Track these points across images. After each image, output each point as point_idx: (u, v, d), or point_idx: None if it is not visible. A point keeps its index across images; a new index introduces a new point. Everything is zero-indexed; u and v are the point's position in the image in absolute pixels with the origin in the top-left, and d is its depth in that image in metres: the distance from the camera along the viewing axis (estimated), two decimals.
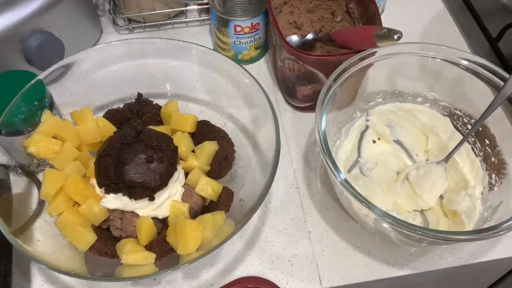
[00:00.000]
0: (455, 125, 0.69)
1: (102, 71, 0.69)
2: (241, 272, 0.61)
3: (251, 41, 0.80)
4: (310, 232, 0.65)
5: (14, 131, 0.61)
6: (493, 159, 0.65)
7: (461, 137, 0.67)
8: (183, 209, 0.60)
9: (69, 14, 0.75)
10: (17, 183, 0.62)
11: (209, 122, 0.69)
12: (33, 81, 0.62)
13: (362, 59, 0.63)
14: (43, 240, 0.57)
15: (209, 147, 0.64)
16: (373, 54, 0.63)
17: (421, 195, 0.64)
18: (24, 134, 0.62)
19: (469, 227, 0.61)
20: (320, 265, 0.62)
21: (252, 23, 0.77)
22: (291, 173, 0.70)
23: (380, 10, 0.82)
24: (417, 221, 0.64)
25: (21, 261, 0.61)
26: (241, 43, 0.80)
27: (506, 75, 0.61)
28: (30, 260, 0.62)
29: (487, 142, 0.65)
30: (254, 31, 0.78)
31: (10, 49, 0.68)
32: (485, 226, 0.58)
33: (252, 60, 0.84)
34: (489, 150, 0.65)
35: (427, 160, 0.69)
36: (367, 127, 0.71)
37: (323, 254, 0.63)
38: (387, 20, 0.84)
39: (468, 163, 0.67)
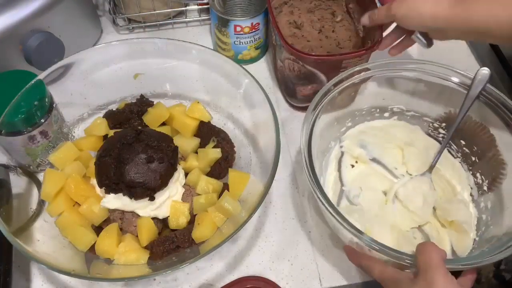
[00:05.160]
0: (427, 132, 0.70)
1: (102, 71, 0.69)
2: (241, 272, 0.61)
3: (251, 41, 0.80)
4: (310, 232, 0.65)
5: (14, 131, 0.61)
6: (473, 158, 0.65)
7: (435, 142, 0.68)
8: (183, 209, 0.60)
9: (69, 14, 0.75)
10: (17, 183, 0.62)
11: (209, 122, 0.69)
12: (33, 81, 0.62)
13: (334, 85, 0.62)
14: (43, 240, 0.57)
15: (212, 155, 0.65)
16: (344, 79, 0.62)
17: (416, 211, 0.63)
18: (24, 134, 0.62)
19: (473, 233, 0.61)
20: (320, 265, 0.62)
21: (252, 23, 0.77)
22: (291, 173, 0.70)
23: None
24: (418, 238, 0.62)
25: (21, 261, 0.61)
26: (241, 43, 0.80)
27: (468, 74, 0.62)
28: (30, 260, 0.62)
29: (463, 142, 0.66)
30: (254, 31, 0.78)
31: (10, 49, 0.68)
32: (489, 231, 0.58)
33: (252, 60, 0.84)
34: (467, 150, 0.66)
35: (406, 171, 0.68)
36: (342, 153, 0.69)
37: (323, 254, 0.63)
38: None
39: (449, 166, 0.67)
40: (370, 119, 0.71)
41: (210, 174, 0.65)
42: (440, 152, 0.65)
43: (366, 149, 0.69)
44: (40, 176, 0.64)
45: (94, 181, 0.61)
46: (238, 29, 0.77)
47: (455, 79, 0.63)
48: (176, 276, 0.61)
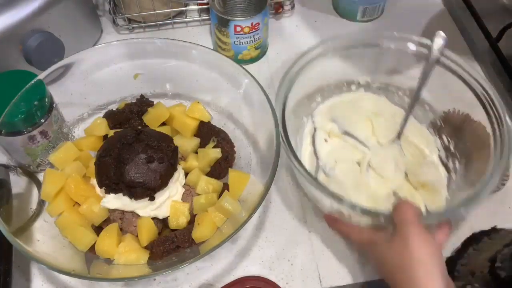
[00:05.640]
0: (393, 101, 0.72)
1: (102, 71, 0.69)
2: (241, 272, 0.61)
3: (251, 41, 0.80)
4: (310, 232, 0.65)
5: (14, 131, 0.61)
6: (438, 123, 0.69)
7: (401, 110, 0.70)
8: (183, 209, 0.60)
9: (69, 14, 0.75)
10: (17, 183, 0.62)
11: (209, 122, 0.69)
12: (33, 81, 0.62)
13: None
14: (43, 240, 0.57)
15: (212, 155, 0.64)
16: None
17: (389, 178, 0.66)
18: (24, 134, 0.62)
19: (444, 191, 0.64)
20: (320, 265, 0.62)
21: (252, 23, 0.77)
22: (291, 173, 0.70)
23: (380, 10, 0.83)
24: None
25: (21, 261, 0.61)
26: (241, 43, 0.80)
27: (425, 41, 0.64)
28: (30, 260, 0.62)
29: (427, 107, 0.69)
30: (254, 31, 0.78)
31: (10, 49, 0.68)
32: (460, 189, 0.61)
33: (252, 60, 0.84)
34: (431, 114, 0.70)
35: (377, 141, 0.70)
36: (315, 129, 0.71)
37: (323, 254, 0.63)
38: (387, 20, 0.84)
39: (416, 132, 0.70)
40: (338, 92, 0.73)
41: (210, 174, 0.65)
42: (405, 120, 0.66)
43: (337, 123, 0.71)
44: (40, 176, 0.64)
45: (94, 181, 0.61)
46: (238, 29, 0.77)
47: (414, 47, 0.66)
48: (176, 276, 0.61)
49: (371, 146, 0.69)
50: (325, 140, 0.70)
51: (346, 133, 0.71)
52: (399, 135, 0.67)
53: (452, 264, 0.58)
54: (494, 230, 0.60)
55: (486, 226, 0.62)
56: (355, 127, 0.71)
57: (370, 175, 0.67)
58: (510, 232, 0.59)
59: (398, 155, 0.67)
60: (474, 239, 0.60)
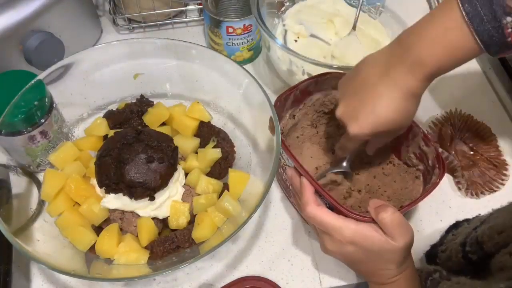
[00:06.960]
0: (348, 3, 0.84)
1: (102, 71, 0.69)
2: (241, 272, 0.62)
3: (243, 43, 0.79)
4: (310, 232, 0.65)
5: (14, 131, 0.61)
6: (389, 14, 0.81)
7: (355, 9, 0.77)
8: (183, 209, 0.60)
9: (69, 14, 0.75)
10: (17, 183, 0.62)
11: (209, 122, 0.69)
12: (33, 81, 0.62)
13: None
14: (43, 240, 0.57)
15: (212, 155, 0.65)
16: None
17: (350, 62, 0.73)
18: (24, 134, 0.62)
19: None
20: (320, 265, 0.62)
21: (244, 25, 0.77)
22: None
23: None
24: None
25: (21, 261, 0.61)
26: (233, 44, 0.79)
27: None
28: (30, 260, 0.62)
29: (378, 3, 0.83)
30: (247, 33, 0.78)
31: (10, 49, 0.68)
32: None
33: (245, 61, 0.83)
34: (382, 9, 0.82)
35: (339, 38, 0.79)
36: (286, 31, 0.80)
37: (323, 254, 0.63)
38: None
39: (370, 26, 0.81)
40: None
41: (210, 174, 0.65)
42: (357, 14, 0.74)
43: (304, 26, 0.80)
44: (40, 176, 0.64)
45: (94, 181, 0.61)
46: (230, 30, 0.77)
47: None
48: (176, 276, 0.61)
49: (333, 43, 0.80)
50: (295, 41, 0.79)
51: (313, 36, 0.81)
52: (354, 27, 0.75)
53: (434, 251, 0.58)
54: (476, 217, 0.61)
55: None
56: (320, 30, 0.81)
57: (335, 63, 0.75)
58: (485, 215, 0.59)
59: (356, 44, 0.75)
60: (455, 226, 0.61)
